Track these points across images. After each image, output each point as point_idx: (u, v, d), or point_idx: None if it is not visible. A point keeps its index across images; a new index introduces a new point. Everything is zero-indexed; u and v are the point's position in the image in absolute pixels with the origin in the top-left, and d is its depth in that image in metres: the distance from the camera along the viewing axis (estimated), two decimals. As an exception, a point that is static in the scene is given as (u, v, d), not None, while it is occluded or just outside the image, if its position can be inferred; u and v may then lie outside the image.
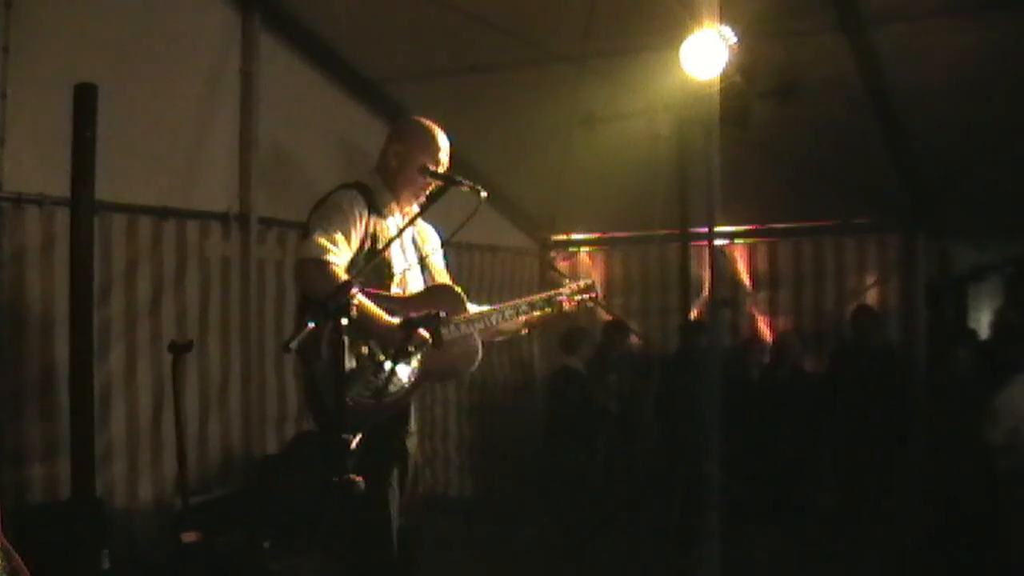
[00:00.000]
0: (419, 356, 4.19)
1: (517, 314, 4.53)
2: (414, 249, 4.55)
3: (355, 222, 4.24)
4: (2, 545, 3.86)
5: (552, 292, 4.68)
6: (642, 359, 9.67)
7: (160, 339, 6.38)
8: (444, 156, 4.47)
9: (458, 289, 4.42)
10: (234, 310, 7.06)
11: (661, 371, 9.06)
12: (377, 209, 4.37)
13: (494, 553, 7.47)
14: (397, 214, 4.45)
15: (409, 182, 4.42)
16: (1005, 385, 7.03)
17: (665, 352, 9.59)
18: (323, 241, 4.11)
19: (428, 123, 4.54)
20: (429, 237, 4.66)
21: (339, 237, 4.15)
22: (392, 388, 4.08)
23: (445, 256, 4.75)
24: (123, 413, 6.31)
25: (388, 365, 4.04)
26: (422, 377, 4.27)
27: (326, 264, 4.05)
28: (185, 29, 6.66)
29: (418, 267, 4.51)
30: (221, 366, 6.97)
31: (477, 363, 4.42)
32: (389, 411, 4.15)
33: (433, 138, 4.48)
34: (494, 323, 4.46)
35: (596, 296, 4.77)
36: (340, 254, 4.12)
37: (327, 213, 4.25)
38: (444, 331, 4.16)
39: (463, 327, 4.32)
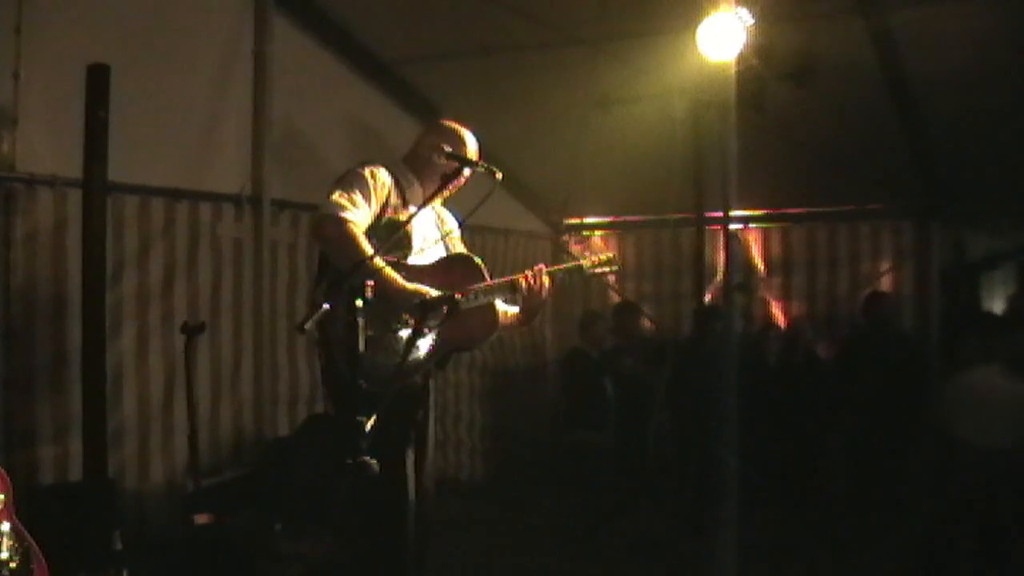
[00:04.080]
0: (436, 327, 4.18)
1: (535, 281, 4.48)
2: (436, 229, 4.57)
3: (376, 188, 4.29)
4: (14, 526, 3.86)
5: (572, 264, 4.68)
6: (655, 344, 9.65)
7: (172, 321, 6.37)
8: (472, 158, 4.55)
9: (477, 260, 4.39)
10: (246, 292, 7.05)
11: (674, 356, 9.03)
12: (400, 188, 4.40)
13: (505, 536, 7.47)
14: (421, 199, 4.45)
15: (436, 170, 4.43)
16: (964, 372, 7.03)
17: (678, 337, 9.57)
18: (341, 200, 4.15)
19: (460, 127, 4.64)
20: (448, 221, 4.70)
21: (358, 198, 4.20)
22: (412, 355, 4.06)
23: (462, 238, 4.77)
24: (135, 394, 6.31)
25: (404, 333, 4.06)
26: (441, 345, 4.27)
27: (344, 221, 4.09)
28: (198, 9, 6.64)
29: (440, 244, 4.52)
30: (233, 348, 6.97)
31: (496, 332, 4.43)
32: (409, 377, 4.15)
33: (464, 139, 4.59)
34: (512, 290, 4.42)
35: (616, 269, 4.78)
36: (358, 212, 4.15)
37: (347, 178, 4.31)
38: (462, 300, 4.14)
39: (481, 296, 4.30)
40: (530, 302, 4.48)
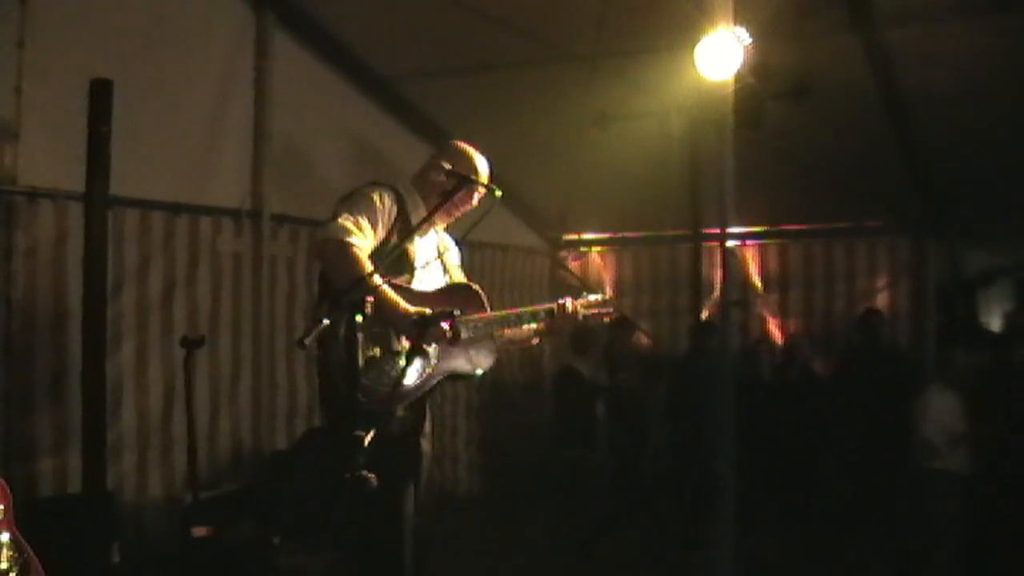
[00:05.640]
0: (435, 351, 4.18)
1: (535, 319, 4.51)
2: (436, 254, 4.55)
3: (382, 213, 4.22)
4: (14, 537, 3.88)
5: (571, 304, 4.68)
6: (652, 359, 9.67)
7: (172, 334, 6.41)
8: (483, 180, 4.51)
9: (477, 288, 4.40)
10: (245, 306, 7.08)
11: (671, 372, 9.05)
12: (405, 213, 4.36)
13: (502, 551, 7.47)
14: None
15: (438, 189, 4.38)
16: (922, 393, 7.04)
17: (675, 353, 9.59)
18: (347, 223, 4.08)
19: (472, 148, 4.55)
20: (450, 246, 4.67)
21: (364, 223, 4.12)
22: (407, 379, 4.06)
23: (460, 260, 4.77)
24: (134, 407, 6.33)
25: (403, 358, 4.05)
26: (437, 372, 4.26)
27: (348, 245, 4.01)
28: (199, 26, 6.68)
29: (439, 268, 4.52)
30: (232, 362, 6.99)
31: (492, 362, 4.41)
32: (404, 402, 4.15)
33: (474, 161, 4.49)
34: (511, 325, 4.45)
35: (612, 312, 4.80)
36: (363, 238, 4.09)
37: (354, 200, 4.24)
38: (462, 329, 4.16)
39: (481, 327, 4.31)
40: (554, 327, 4.59)
